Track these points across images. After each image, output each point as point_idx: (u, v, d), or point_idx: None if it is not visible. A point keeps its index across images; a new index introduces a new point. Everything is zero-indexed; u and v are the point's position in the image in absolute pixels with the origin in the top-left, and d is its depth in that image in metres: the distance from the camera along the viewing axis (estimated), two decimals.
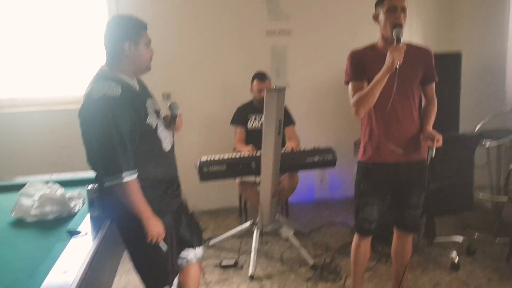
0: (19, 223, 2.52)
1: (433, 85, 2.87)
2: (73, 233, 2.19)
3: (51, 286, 1.68)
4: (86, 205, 2.53)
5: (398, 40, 2.56)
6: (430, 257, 3.89)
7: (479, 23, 4.83)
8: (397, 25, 2.59)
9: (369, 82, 2.66)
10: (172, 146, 2.47)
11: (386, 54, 2.56)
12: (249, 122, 4.45)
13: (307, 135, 4.64)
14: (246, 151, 4.11)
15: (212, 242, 4.28)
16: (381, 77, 2.57)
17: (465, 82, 4.34)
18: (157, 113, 2.39)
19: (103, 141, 2.13)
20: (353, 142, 4.73)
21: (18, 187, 2.73)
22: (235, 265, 3.85)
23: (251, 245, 3.94)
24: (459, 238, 4.05)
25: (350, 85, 2.78)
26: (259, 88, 4.33)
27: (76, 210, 2.60)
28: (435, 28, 5.23)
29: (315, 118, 5.21)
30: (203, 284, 3.51)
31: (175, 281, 2.51)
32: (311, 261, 3.81)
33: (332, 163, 4.08)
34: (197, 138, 4.97)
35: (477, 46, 4.83)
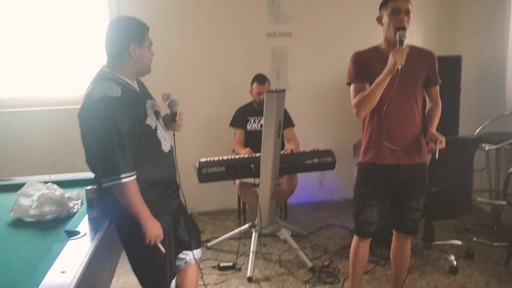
0: (18, 223, 2.51)
1: (437, 87, 2.87)
2: (72, 233, 2.19)
3: (49, 287, 1.68)
4: (85, 205, 2.52)
5: (401, 42, 2.57)
6: (429, 260, 3.90)
7: (479, 26, 4.84)
8: (401, 28, 2.59)
9: (371, 84, 2.66)
10: (172, 147, 2.47)
11: (389, 56, 2.56)
12: (248, 124, 4.46)
13: (306, 137, 4.64)
14: (243, 153, 4.11)
15: (210, 243, 4.28)
16: (382, 79, 2.57)
17: (465, 86, 4.35)
18: (157, 114, 2.39)
19: (102, 142, 2.13)
20: (353, 144, 4.73)
21: (17, 187, 2.73)
22: (233, 267, 3.85)
23: (249, 247, 3.95)
24: (457, 242, 4.05)
25: (352, 87, 2.79)
26: (259, 91, 4.33)
27: (75, 211, 2.60)
28: (435, 31, 5.24)
29: (314, 120, 5.21)
30: (201, 286, 3.50)
31: (173, 282, 2.50)
32: (309, 264, 3.81)
33: (331, 165, 4.08)
34: (196, 139, 4.97)
35: (477, 50, 4.84)
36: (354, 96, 2.74)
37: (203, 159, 3.86)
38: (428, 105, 2.88)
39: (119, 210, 2.22)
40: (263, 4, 4.94)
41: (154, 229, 2.24)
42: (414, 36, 5.10)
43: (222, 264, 3.87)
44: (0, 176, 3.48)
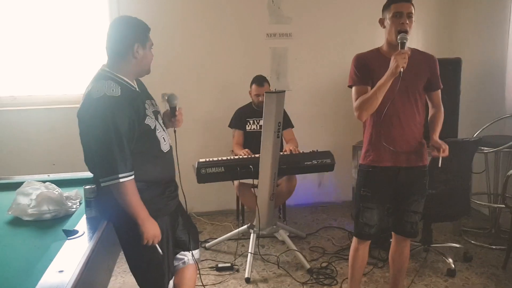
0: (16, 222, 2.51)
1: (439, 92, 2.87)
2: (70, 232, 2.19)
3: (47, 286, 1.68)
4: (83, 205, 2.52)
5: (403, 45, 2.57)
6: (427, 262, 3.90)
7: (479, 29, 4.85)
8: (402, 31, 2.60)
9: (372, 86, 2.66)
10: (171, 148, 2.47)
11: (390, 58, 2.56)
12: (247, 125, 4.46)
13: (305, 138, 4.63)
14: (241, 153, 4.11)
15: (209, 244, 4.28)
16: (384, 82, 2.57)
17: (465, 88, 4.35)
18: (156, 114, 2.39)
19: (101, 140, 2.13)
20: (352, 146, 4.73)
21: (16, 186, 2.73)
22: (231, 267, 3.85)
23: (247, 248, 3.95)
24: (456, 244, 4.05)
25: (353, 89, 2.79)
26: (257, 93, 4.34)
27: (73, 210, 2.60)
28: (435, 33, 5.24)
29: (314, 121, 5.21)
30: (200, 286, 3.50)
31: (171, 283, 2.50)
32: (307, 265, 3.81)
33: (330, 167, 4.08)
34: (195, 139, 4.97)
35: (477, 52, 4.84)
36: (356, 99, 2.74)
37: (202, 160, 3.86)
38: (430, 111, 2.88)
39: (118, 209, 2.22)
40: (264, 5, 4.94)
41: (151, 230, 2.24)
42: (414, 38, 5.10)
43: (220, 265, 3.87)
44: None
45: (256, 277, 3.73)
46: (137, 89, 2.34)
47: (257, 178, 3.81)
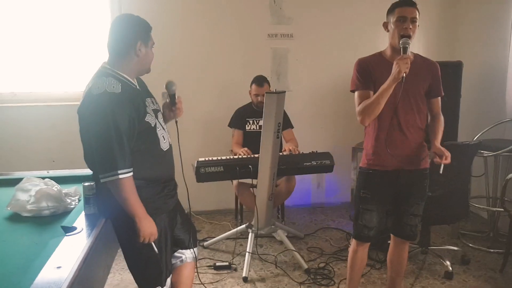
0: (15, 218, 2.52)
1: (439, 100, 2.86)
2: (68, 229, 2.19)
3: (45, 282, 1.68)
4: (82, 202, 2.53)
5: (405, 50, 2.57)
6: (424, 265, 3.90)
7: (480, 33, 4.85)
8: (405, 36, 2.59)
9: (375, 91, 2.66)
10: (170, 146, 2.47)
11: (393, 63, 2.56)
12: (247, 125, 4.46)
13: (305, 139, 4.64)
14: (240, 151, 4.11)
15: (207, 243, 4.29)
16: (387, 87, 2.57)
17: (466, 91, 4.35)
18: (156, 112, 2.39)
19: (100, 137, 2.13)
20: (351, 147, 4.74)
21: (15, 182, 2.73)
22: (229, 266, 3.85)
23: (245, 247, 3.95)
24: (453, 247, 4.05)
25: (356, 94, 2.78)
26: (256, 93, 4.35)
27: (72, 207, 2.60)
28: (437, 37, 5.25)
29: (313, 122, 5.22)
30: (199, 285, 3.51)
31: (168, 280, 2.51)
32: (305, 265, 3.81)
33: (329, 168, 4.08)
34: (195, 138, 4.97)
35: (478, 56, 4.85)
36: (359, 104, 2.74)
37: (201, 159, 3.87)
38: (429, 119, 2.86)
39: (116, 207, 2.22)
40: (265, 5, 4.95)
41: (148, 228, 2.24)
42: (415, 41, 5.09)
43: (218, 264, 3.88)
44: None
45: (253, 276, 3.73)
46: (138, 87, 2.34)
47: (256, 178, 3.81)
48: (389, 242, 3.11)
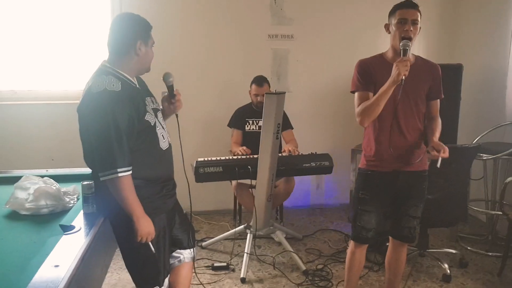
0: (13, 216, 2.51)
1: (438, 102, 2.86)
2: (67, 228, 2.19)
3: (42, 280, 1.68)
4: (80, 200, 2.52)
5: (405, 52, 2.57)
6: (422, 267, 3.90)
7: (481, 35, 4.85)
8: (406, 38, 2.59)
9: (375, 93, 2.66)
10: (170, 146, 2.47)
11: (393, 65, 2.56)
12: (246, 125, 4.47)
13: (304, 140, 4.63)
14: (239, 150, 4.11)
15: (205, 243, 4.29)
16: (386, 89, 2.57)
17: (465, 94, 4.35)
18: (156, 111, 2.39)
19: (100, 135, 2.13)
20: (351, 149, 4.74)
21: (14, 180, 2.73)
22: (227, 267, 3.85)
23: (244, 248, 3.95)
24: (452, 250, 4.05)
25: (356, 95, 2.78)
26: (256, 93, 4.35)
27: (70, 205, 2.60)
28: (437, 39, 5.25)
29: (313, 123, 5.22)
30: (198, 285, 3.51)
31: (166, 280, 2.50)
32: (303, 267, 3.81)
33: (328, 169, 4.08)
34: (194, 138, 4.97)
35: (479, 59, 4.85)
36: (358, 105, 2.74)
37: (200, 159, 3.87)
38: (426, 121, 2.84)
39: (115, 206, 2.21)
40: (266, 6, 4.95)
41: (146, 227, 2.23)
42: (415, 44, 5.10)
43: (216, 264, 3.88)
44: None
45: (251, 277, 3.73)
46: (138, 86, 2.34)
47: (255, 178, 3.81)
48: (387, 244, 3.11)
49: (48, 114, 4.65)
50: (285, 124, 4.25)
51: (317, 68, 5.15)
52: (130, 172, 2.17)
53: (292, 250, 4.00)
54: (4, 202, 2.56)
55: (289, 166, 4.02)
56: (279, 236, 4.10)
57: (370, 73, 2.73)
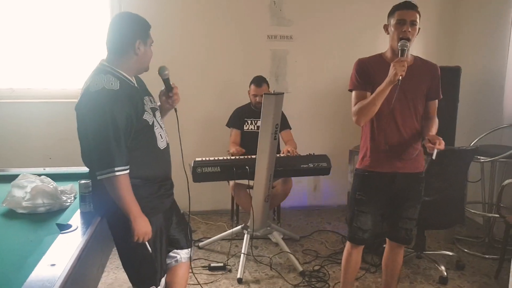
0: (10, 214, 2.51)
1: (436, 103, 2.86)
2: (63, 227, 2.19)
3: (39, 279, 1.68)
4: (77, 199, 2.52)
5: (403, 52, 2.57)
6: (419, 269, 3.90)
7: (480, 38, 4.86)
8: (404, 38, 2.60)
9: (372, 92, 2.66)
10: (168, 145, 2.46)
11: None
12: (245, 125, 4.47)
13: (302, 141, 4.63)
14: (232, 151, 4.11)
15: (202, 243, 4.28)
16: (383, 89, 2.57)
17: (463, 97, 4.36)
18: (154, 111, 2.39)
19: (98, 133, 2.12)
20: (348, 150, 4.74)
21: (11, 178, 2.73)
22: (223, 267, 3.85)
23: (241, 249, 3.95)
24: (448, 252, 4.06)
25: (353, 94, 2.79)
26: (255, 94, 4.35)
27: (67, 204, 2.60)
28: (436, 41, 5.25)
29: (311, 124, 5.22)
30: (196, 285, 3.50)
31: (163, 280, 2.50)
32: (300, 268, 3.81)
33: (326, 170, 4.08)
34: (194, 139, 4.96)
35: (477, 62, 4.85)
36: (355, 104, 2.74)
37: (198, 159, 3.86)
38: (424, 121, 2.83)
39: (112, 205, 2.21)
40: (265, 7, 4.95)
41: (143, 227, 2.23)
42: (414, 46, 5.10)
43: (212, 265, 3.87)
44: None
45: (248, 278, 3.73)
46: (136, 85, 2.34)
47: (252, 179, 3.81)
48: (384, 246, 3.11)
49: (46, 113, 4.65)
50: (283, 124, 4.25)
51: (315, 69, 5.15)
52: (128, 171, 2.17)
53: (289, 251, 4.00)
54: (1, 201, 2.56)
55: (287, 167, 4.02)
56: (276, 236, 4.10)
57: (368, 73, 2.74)
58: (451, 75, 4.19)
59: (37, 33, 4.60)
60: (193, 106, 4.81)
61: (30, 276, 1.69)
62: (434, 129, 2.76)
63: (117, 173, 2.12)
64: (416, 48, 4.98)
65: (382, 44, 2.82)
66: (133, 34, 2.25)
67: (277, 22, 5.00)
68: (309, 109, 5.20)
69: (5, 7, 4.52)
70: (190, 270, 2.71)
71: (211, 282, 3.64)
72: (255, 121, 4.39)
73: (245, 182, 3.94)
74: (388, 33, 2.76)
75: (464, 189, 3.85)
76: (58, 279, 1.66)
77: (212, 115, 4.98)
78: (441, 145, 2.55)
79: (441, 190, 3.55)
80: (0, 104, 4.60)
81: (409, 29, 2.61)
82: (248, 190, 4.09)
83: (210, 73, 4.96)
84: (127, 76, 2.28)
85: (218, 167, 3.84)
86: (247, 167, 3.80)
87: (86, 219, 2.31)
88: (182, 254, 2.59)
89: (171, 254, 2.57)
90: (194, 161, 3.83)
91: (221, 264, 3.87)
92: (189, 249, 2.65)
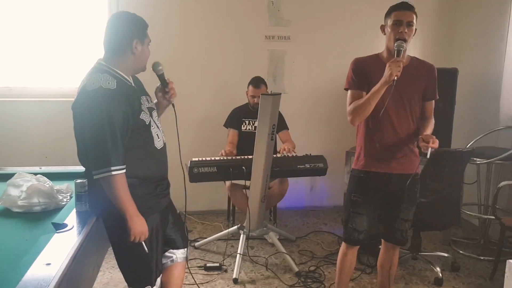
0: (6, 213, 2.50)
1: (432, 103, 2.87)
2: (59, 226, 2.18)
3: (34, 278, 1.67)
4: (73, 199, 2.52)
5: (399, 53, 2.58)
6: (414, 270, 3.91)
7: (477, 40, 4.87)
8: (400, 39, 2.60)
9: (368, 92, 2.67)
10: (164, 145, 2.46)
11: None
12: (242, 125, 4.47)
13: (299, 142, 4.62)
14: (222, 151, 4.11)
15: (198, 243, 4.28)
16: (378, 89, 2.58)
17: (460, 99, 4.36)
18: (151, 110, 2.38)
19: (95, 132, 2.12)
20: (345, 151, 4.74)
21: (7, 177, 2.72)
22: (219, 267, 3.85)
23: (237, 249, 3.95)
24: (444, 254, 4.06)
25: (349, 93, 2.79)
26: (253, 94, 4.35)
27: (63, 203, 2.60)
28: (433, 43, 5.26)
29: (308, 125, 5.22)
30: (193, 285, 3.50)
31: (159, 280, 2.50)
32: (295, 268, 3.81)
33: (323, 171, 4.08)
34: (192, 139, 4.95)
35: (474, 64, 4.86)
36: (350, 103, 2.74)
37: (195, 159, 3.86)
38: (420, 121, 2.83)
39: (108, 205, 2.21)
40: (263, 7, 4.95)
41: (139, 226, 2.22)
42: (412, 47, 5.11)
43: (208, 265, 3.87)
44: None
45: (244, 278, 3.73)
46: (133, 85, 2.34)
47: (249, 179, 3.81)
48: (380, 247, 3.12)
49: (43, 111, 4.64)
50: (281, 124, 4.26)
51: (313, 70, 5.16)
52: (124, 170, 2.17)
53: (285, 252, 4.00)
54: None
55: (283, 167, 4.01)
56: (272, 237, 4.10)
57: (365, 72, 2.74)
58: (448, 76, 4.20)
59: (34, 31, 4.60)
60: (191, 106, 4.81)
61: (26, 275, 1.69)
62: (429, 129, 2.77)
63: (114, 173, 2.12)
64: (414, 50, 5.01)
65: (381, 44, 2.82)
66: (130, 33, 2.25)
67: (275, 23, 5.00)
68: (307, 109, 5.20)
69: (2, 6, 4.51)
70: (187, 270, 2.71)
71: (207, 282, 3.64)
72: (253, 122, 4.39)
73: (242, 182, 3.94)
74: (384, 34, 2.76)
75: (460, 190, 3.86)
76: (54, 278, 1.66)
77: (210, 115, 4.98)
78: (435, 143, 2.55)
79: (437, 191, 3.56)
80: None
81: (406, 30, 2.62)
82: (244, 190, 4.09)
83: (208, 73, 4.96)
84: (124, 75, 2.28)
85: (215, 167, 3.84)
86: (243, 168, 3.79)
87: (82, 218, 2.30)
88: (178, 254, 2.59)
89: (167, 254, 2.57)
90: (191, 161, 3.82)
91: (217, 264, 3.87)
92: (185, 249, 2.65)
